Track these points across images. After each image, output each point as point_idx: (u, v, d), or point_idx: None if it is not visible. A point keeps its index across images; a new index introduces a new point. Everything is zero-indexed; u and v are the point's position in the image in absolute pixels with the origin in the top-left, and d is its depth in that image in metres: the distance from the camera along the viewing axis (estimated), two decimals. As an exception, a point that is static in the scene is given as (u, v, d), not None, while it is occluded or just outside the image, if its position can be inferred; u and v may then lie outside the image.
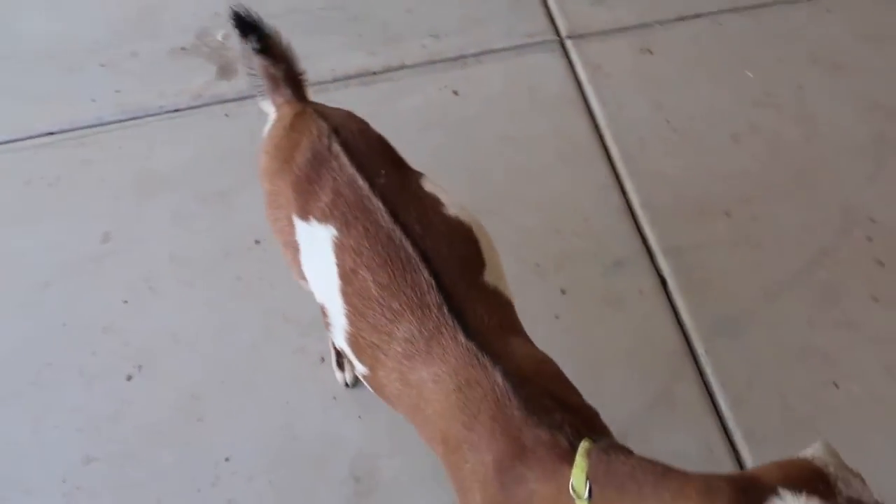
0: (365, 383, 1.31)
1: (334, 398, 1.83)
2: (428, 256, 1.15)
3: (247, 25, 1.40)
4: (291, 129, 1.34)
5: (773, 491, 0.75)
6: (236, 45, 1.48)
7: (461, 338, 1.09)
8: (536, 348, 1.21)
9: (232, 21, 1.40)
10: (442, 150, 2.25)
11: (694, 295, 1.97)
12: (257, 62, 1.44)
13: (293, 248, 1.34)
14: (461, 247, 1.22)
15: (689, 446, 1.76)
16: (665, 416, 1.80)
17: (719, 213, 2.12)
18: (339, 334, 1.25)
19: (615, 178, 2.20)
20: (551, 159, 2.24)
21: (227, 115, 2.36)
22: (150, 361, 1.89)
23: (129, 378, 1.86)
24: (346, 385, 1.82)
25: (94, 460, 1.74)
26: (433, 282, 1.12)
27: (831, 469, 0.81)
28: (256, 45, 1.41)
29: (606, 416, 1.79)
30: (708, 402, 1.82)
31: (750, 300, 1.97)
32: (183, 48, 2.53)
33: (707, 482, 0.81)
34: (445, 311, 1.11)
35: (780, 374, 1.85)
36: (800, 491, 0.75)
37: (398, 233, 1.16)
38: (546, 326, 1.93)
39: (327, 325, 1.30)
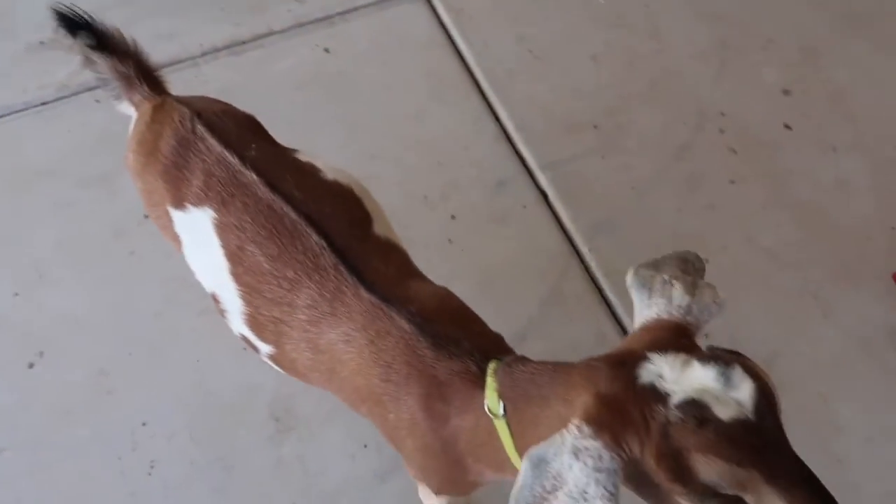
0: (273, 365, 1.30)
1: (245, 349, 1.85)
2: (314, 220, 1.14)
3: (73, 23, 1.33)
4: (152, 122, 1.31)
5: (643, 357, 0.82)
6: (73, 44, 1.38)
7: (363, 293, 1.09)
8: (436, 286, 1.24)
9: (56, 21, 1.33)
10: (320, 106, 2.30)
11: (573, 202, 2.11)
12: (104, 63, 1.37)
13: (177, 242, 1.32)
14: (345, 207, 1.22)
15: (584, 336, 1.90)
16: (559, 313, 1.93)
17: (587, 126, 2.27)
18: (237, 318, 1.23)
19: (489, 108, 2.31)
20: (426, 101, 2.33)
21: (97, 101, 2.32)
22: (51, 347, 1.87)
23: (31, 366, 1.83)
24: None
25: (3, 450, 1.72)
26: (324, 243, 1.12)
27: (689, 318, 0.90)
28: (90, 41, 1.34)
29: (506, 322, 1.90)
30: (596, 293, 1.97)
31: (623, 199, 2.13)
32: (41, 42, 2.47)
33: (588, 366, 0.88)
34: (342, 269, 1.11)
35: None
36: (665, 351, 0.82)
37: (279, 202, 1.15)
38: (441, 251, 2.02)
39: (221, 311, 1.28)
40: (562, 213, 2.10)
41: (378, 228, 1.24)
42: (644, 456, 0.79)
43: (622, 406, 0.80)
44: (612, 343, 1.89)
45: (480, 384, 1.01)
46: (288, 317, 1.15)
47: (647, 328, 0.92)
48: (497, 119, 2.29)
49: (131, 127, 1.39)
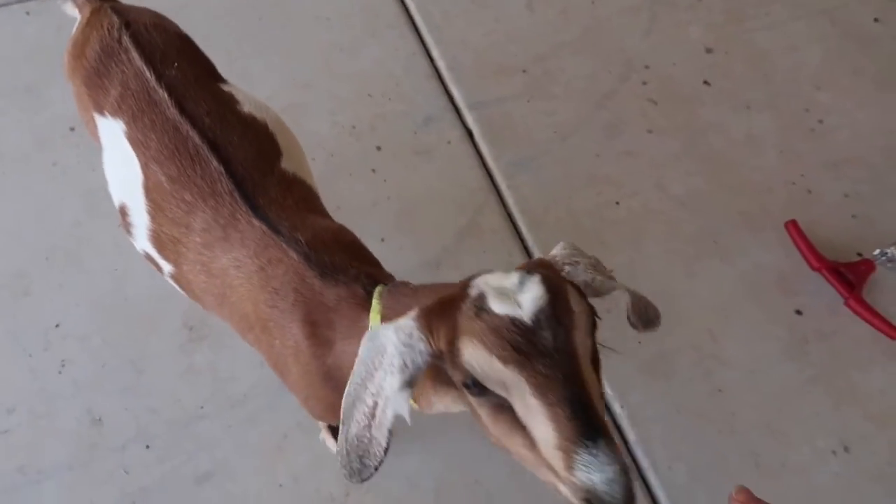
0: (174, 284, 1.32)
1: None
2: (217, 146, 1.15)
3: None
4: (86, 26, 1.31)
5: (489, 272, 0.87)
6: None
7: (255, 220, 1.11)
8: (333, 221, 1.26)
9: None
10: (256, 33, 2.32)
11: (496, 141, 2.18)
12: None
13: (100, 147, 1.32)
14: (255, 139, 1.22)
15: (495, 267, 1.97)
16: (474, 244, 2.01)
17: (517, 70, 2.34)
18: (142, 233, 1.24)
19: (423, 47, 2.36)
20: (362, 35, 2.37)
21: (27, 13, 2.31)
22: (-33, 248, 1.88)
23: (-54, 265, 1.85)
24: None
25: (-86, 343, 1.74)
26: (223, 169, 1.13)
27: (558, 259, 0.94)
28: None
29: (422, 251, 2.00)
30: (510, 227, 2.05)
31: (545, 142, 2.21)
32: (-26, -50, 2.42)
33: (459, 283, 0.90)
34: (237, 196, 1.12)
35: (571, 199, 2.11)
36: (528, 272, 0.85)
37: (184, 124, 1.15)
38: (364, 180, 2.08)
39: (128, 225, 1.28)
40: (485, 151, 2.17)
41: (286, 164, 1.24)
42: (441, 337, 0.82)
43: (448, 304, 0.84)
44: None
45: (367, 308, 1.03)
46: (185, 238, 1.17)
47: (523, 264, 0.95)
48: (430, 58, 2.34)
49: (73, 28, 1.39)
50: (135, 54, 1.22)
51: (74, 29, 1.39)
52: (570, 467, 0.72)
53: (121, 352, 1.78)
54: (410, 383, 0.83)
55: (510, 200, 2.09)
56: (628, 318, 1.03)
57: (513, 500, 1.66)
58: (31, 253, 1.88)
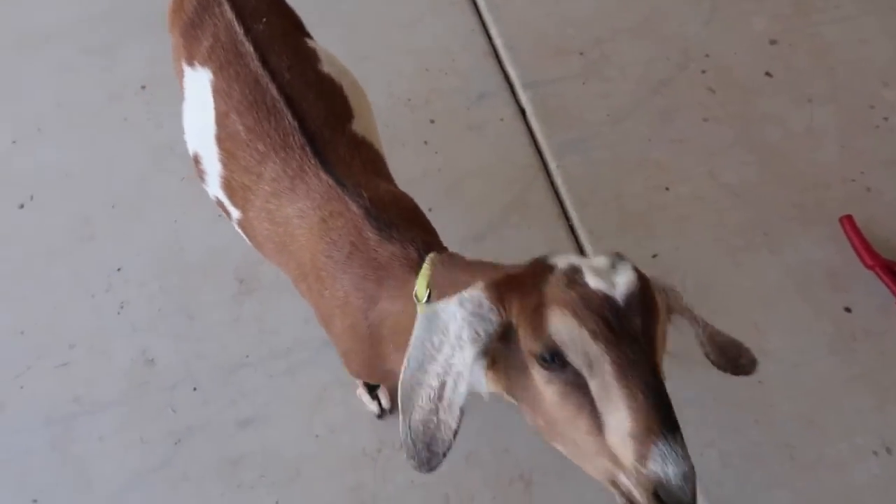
0: (240, 231, 1.39)
1: (219, 216, 1.98)
2: (293, 101, 1.19)
3: None
4: None
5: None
6: None
7: (322, 173, 1.14)
8: (397, 188, 1.28)
9: None
10: (320, 5, 2.39)
11: (548, 121, 2.20)
12: None
13: (182, 97, 1.37)
14: (329, 98, 1.26)
15: (538, 243, 2.00)
16: (519, 220, 2.03)
17: (574, 52, 2.34)
18: (215, 180, 1.30)
19: (482, 24, 2.39)
20: (423, 11, 2.41)
21: (109, -24, 2.42)
22: (41, 192, 2.00)
23: (21, 206, 1.97)
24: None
25: (-13, 277, 1.87)
26: (296, 124, 1.16)
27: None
28: None
29: (468, 223, 2.03)
30: (557, 206, 2.06)
31: (597, 124, 2.21)
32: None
33: (522, 265, 0.88)
34: (308, 150, 1.15)
35: (619, 182, 2.11)
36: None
37: (265, 77, 1.20)
38: (416, 151, 2.12)
39: (201, 173, 1.34)
40: (536, 130, 2.19)
41: (357, 126, 1.27)
42: (514, 310, 0.80)
43: (520, 278, 0.82)
44: (565, 252, 2.00)
45: (417, 272, 1.03)
46: (255, 185, 1.21)
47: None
48: (488, 36, 2.36)
49: None
50: (227, 7, 1.27)
51: None
52: (643, 457, 0.68)
53: (175, 299, 1.87)
54: (485, 353, 0.80)
55: (558, 180, 2.10)
56: (706, 355, 0.98)
57: (542, 469, 1.68)
58: (98, 201, 1.99)
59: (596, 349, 0.73)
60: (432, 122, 2.18)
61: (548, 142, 2.16)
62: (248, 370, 1.79)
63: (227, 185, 1.27)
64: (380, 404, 1.71)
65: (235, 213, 1.31)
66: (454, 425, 0.80)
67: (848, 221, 1.99)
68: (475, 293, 0.82)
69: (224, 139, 1.23)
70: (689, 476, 0.67)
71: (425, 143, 2.14)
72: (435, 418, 0.81)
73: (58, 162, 2.05)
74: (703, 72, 2.33)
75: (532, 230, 2.02)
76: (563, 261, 0.81)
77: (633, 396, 0.71)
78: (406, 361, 0.83)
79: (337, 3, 2.40)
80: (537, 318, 0.77)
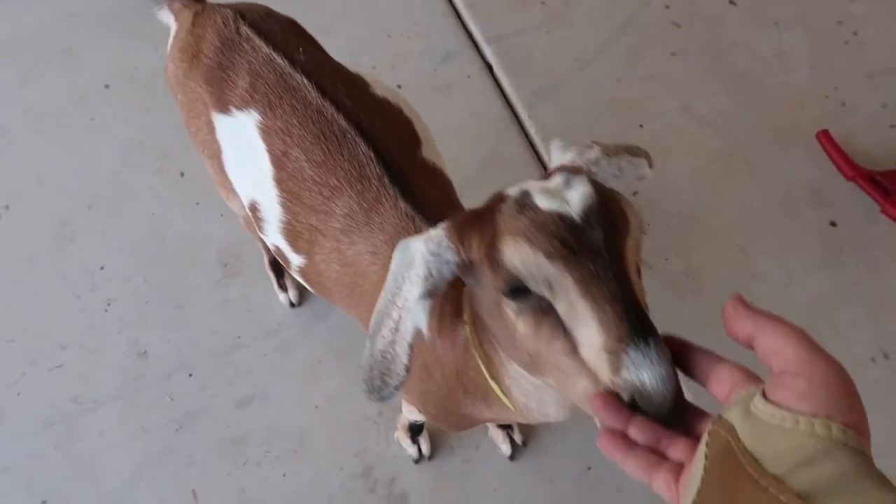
0: (301, 279, 1.29)
1: (197, 204, 1.98)
2: (363, 130, 1.10)
3: None
4: (194, 28, 1.26)
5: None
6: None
7: (401, 203, 1.06)
8: None
9: None
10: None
11: (516, 73, 2.18)
12: None
13: (217, 155, 1.26)
14: (395, 125, 1.19)
15: (519, 194, 1.99)
16: (495, 173, 2.02)
17: (535, 2, 2.32)
18: (274, 227, 1.21)
19: (439, -14, 2.37)
20: (380, -21, 2.38)
21: (61, -20, 2.40)
22: (16, 201, 1.99)
23: (-2, 217, 1.97)
24: (292, 305, 1.81)
25: (-27, 290, 1.86)
26: (372, 154, 1.08)
27: (594, 168, 0.85)
28: None
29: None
30: (533, 155, 2.05)
31: (565, 70, 2.19)
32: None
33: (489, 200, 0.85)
34: (386, 181, 1.07)
35: (593, 125, 2.10)
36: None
37: (329, 108, 1.11)
38: (386, 118, 2.11)
39: (259, 221, 1.24)
40: (505, 83, 2.17)
41: (426, 153, 1.20)
42: (474, 247, 0.78)
43: (480, 214, 0.79)
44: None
45: None
46: (323, 225, 1.13)
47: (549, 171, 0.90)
48: (447, -4, 2.35)
49: (171, 38, 1.34)
50: (259, 42, 1.17)
51: (173, 38, 1.33)
52: (616, 368, 0.66)
53: (161, 289, 1.87)
54: (432, 294, 0.79)
55: (531, 129, 2.09)
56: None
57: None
58: (75, 202, 1.98)
59: (554, 270, 0.70)
60: (400, 87, 2.16)
61: (517, 94, 2.15)
62: (242, 351, 1.79)
63: (290, 230, 1.18)
64: (419, 450, 1.66)
65: (298, 259, 1.21)
66: (405, 360, 0.80)
67: (825, 136, 1.98)
68: (437, 232, 0.80)
69: (285, 180, 1.14)
70: (667, 379, 0.63)
71: (395, 109, 2.12)
72: (392, 350, 0.81)
73: (30, 169, 2.03)
74: (667, 7, 2.30)
75: (510, 182, 1.99)
76: (515, 189, 0.78)
77: (599, 309, 0.68)
78: (384, 290, 0.82)
79: (292, -19, 2.38)
80: (494, 251, 0.74)
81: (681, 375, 0.66)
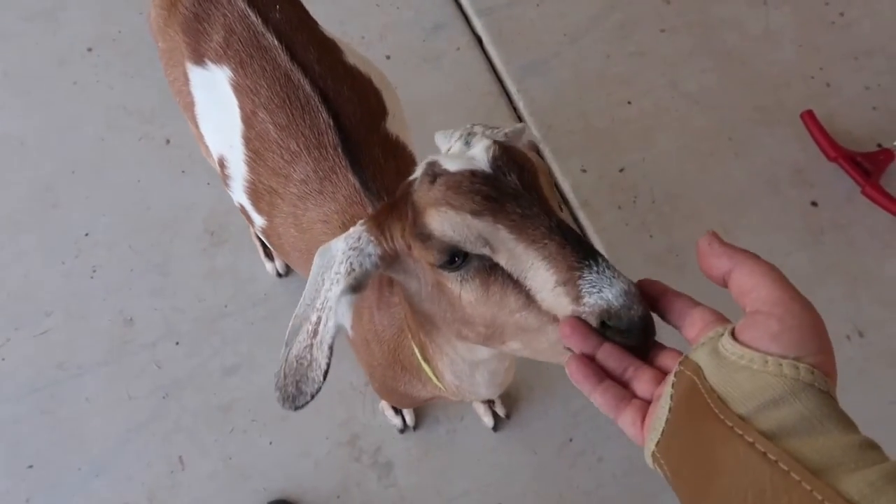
0: (265, 240, 1.30)
1: (183, 172, 1.96)
2: (328, 97, 1.10)
3: None
4: None
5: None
6: None
7: (350, 175, 1.06)
8: None
9: None
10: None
11: (506, 46, 2.17)
12: None
13: (191, 107, 1.25)
14: (362, 94, 1.16)
15: (507, 168, 2.00)
16: (485, 147, 2.03)
17: (526, -25, 2.30)
18: (239, 185, 1.21)
19: (430, -45, 2.34)
20: (369, -54, 2.35)
21: (41, -61, 2.34)
22: (-2, 165, 1.97)
23: (-21, 181, 1.94)
24: (279, 274, 1.82)
25: (-45, 253, 1.84)
26: (331, 122, 1.08)
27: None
28: None
29: (433, 153, 2.00)
30: (521, 130, 2.06)
31: (555, 45, 2.19)
32: None
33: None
34: (340, 150, 1.07)
35: (582, 100, 2.10)
36: None
37: (297, 72, 1.10)
38: (375, 89, 2.09)
39: (226, 178, 1.25)
40: (494, 56, 2.16)
41: (391, 125, 1.18)
42: (398, 234, 0.76)
43: (395, 203, 0.78)
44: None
45: None
46: (282, 188, 1.13)
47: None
48: (438, -34, 2.32)
49: None
50: None
51: None
52: (577, 297, 0.63)
53: (147, 257, 1.86)
54: (356, 288, 0.76)
55: (520, 103, 2.09)
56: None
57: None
58: (58, 167, 1.96)
59: (484, 225, 0.68)
60: (388, 57, 2.15)
61: (507, 67, 2.14)
62: (229, 320, 1.79)
63: (253, 190, 1.18)
64: (404, 420, 1.68)
65: (260, 219, 1.21)
66: (324, 364, 0.75)
67: (809, 117, 2.00)
68: (356, 228, 0.78)
69: (252, 139, 1.15)
70: (631, 291, 0.62)
71: (384, 79, 2.11)
72: (309, 355, 0.76)
73: (11, 131, 2.00)
74: (658, -18, 2.30)
75: (498, 156, 2.01)
76: (419, 167, 0.76)
77: (540, 247, 0.66)
78: (302, 296, 0.78)
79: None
80: (420, 228, 0.72)
81: (656, 319, 0.64)
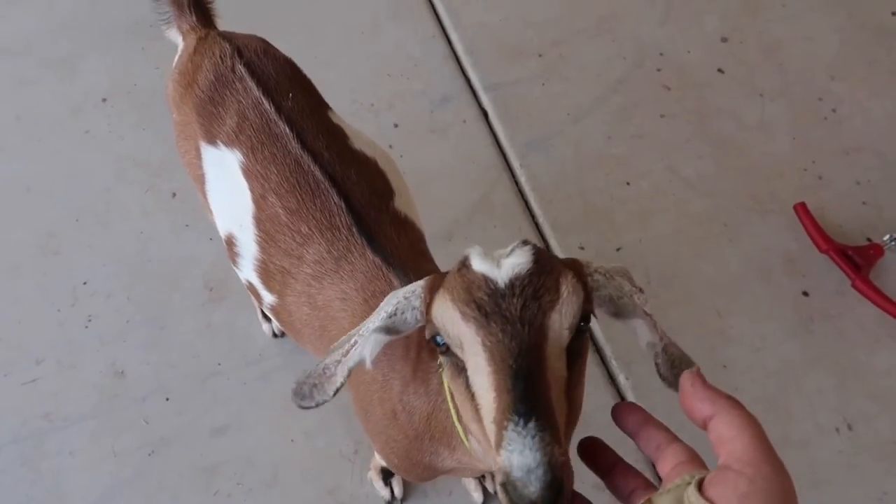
0: (272, 317, 1.32)
1: (186, 226, 1.98)
2: (337, 182, 1.15)
3: None
4: (195, 54, 1.30)
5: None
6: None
7: (369, 253, 1.10)
8: (439, 270, 1.22)
9: None
10: (280, 13, 2.40)
11: (510, 121, 2.24)
12: None
13: (201, 181, 1.30)
14: (369, 176, 1.22)
15: (505, 242, 2.02)
16: (485, 219, 2.07)
17: (533, 54, 2.39)
18: (249, 263, 1.24)
19: (441, 30, 2.43)
20: (383, 18, 2.44)
21: (66, -10, 2.41)
22: (3, 208, 1.98)
23: (-18, 224, 1.94)
24: (275, 335, 1.83)
25: (-49, 296, 1.83)
26: (343, 205, 1.12)
27: (594, 266, 0.85)
28: None
29: (435, 223, 2.05)
30: (521, 204, 2.10)
31: (558, 123, 2.26)
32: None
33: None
34: (355, 231, 1.11)
35: (582, 178, 2.15)
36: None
37: (307, 159, 1.15)
38: (381, 155, 2.14)
39: (234, 256, 1.28)
40: (499, 131, 2.23)
41: (399, 204, 1.23)
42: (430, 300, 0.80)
43: (448, 273, 0.80)
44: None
45: None
46: (295, 269, 1.16)
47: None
48: (448, 41, 2.40)
49: (176, 56, 1.39)
50: (251, 83, 1.21)
51: (178, 57, 1.38)
52: (499, 443, 0.63)
53: (144, 309, 1.86)
54: (389, 330, 0.82)
55: (522, 178, 2.14)
56: (656, 365, 0.89)
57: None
58: (62, 214, 1.97)
59: (466, 330, 0.70)
60: (396, 126, 2.21)
61: (511, 142, 2.20)
62: (221, 378, 1.78)
63: (264, 269, 1.22)
64: (392, 492, 1.66)
65: (270, 297, 1.24)
66: (338, 383, 0.82)
67: (802, 209, 2.06)
68: (418, 283, 0.83)
69: (264, 220, 1.19)
70: (540, 470, 0.60)
71: (390, 146, 2.16)
72: (333, 369, 0.83)
73: (19, 176, 2.02)
74: (659, 70, 2.39)
75: (498, 229, 2.05)
76: (473, 251, 0.78)
77: (496, 379, 0.67)
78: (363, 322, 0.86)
79: (299, 10, 2.42)
80: (431, 300, 0.78)
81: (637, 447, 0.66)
